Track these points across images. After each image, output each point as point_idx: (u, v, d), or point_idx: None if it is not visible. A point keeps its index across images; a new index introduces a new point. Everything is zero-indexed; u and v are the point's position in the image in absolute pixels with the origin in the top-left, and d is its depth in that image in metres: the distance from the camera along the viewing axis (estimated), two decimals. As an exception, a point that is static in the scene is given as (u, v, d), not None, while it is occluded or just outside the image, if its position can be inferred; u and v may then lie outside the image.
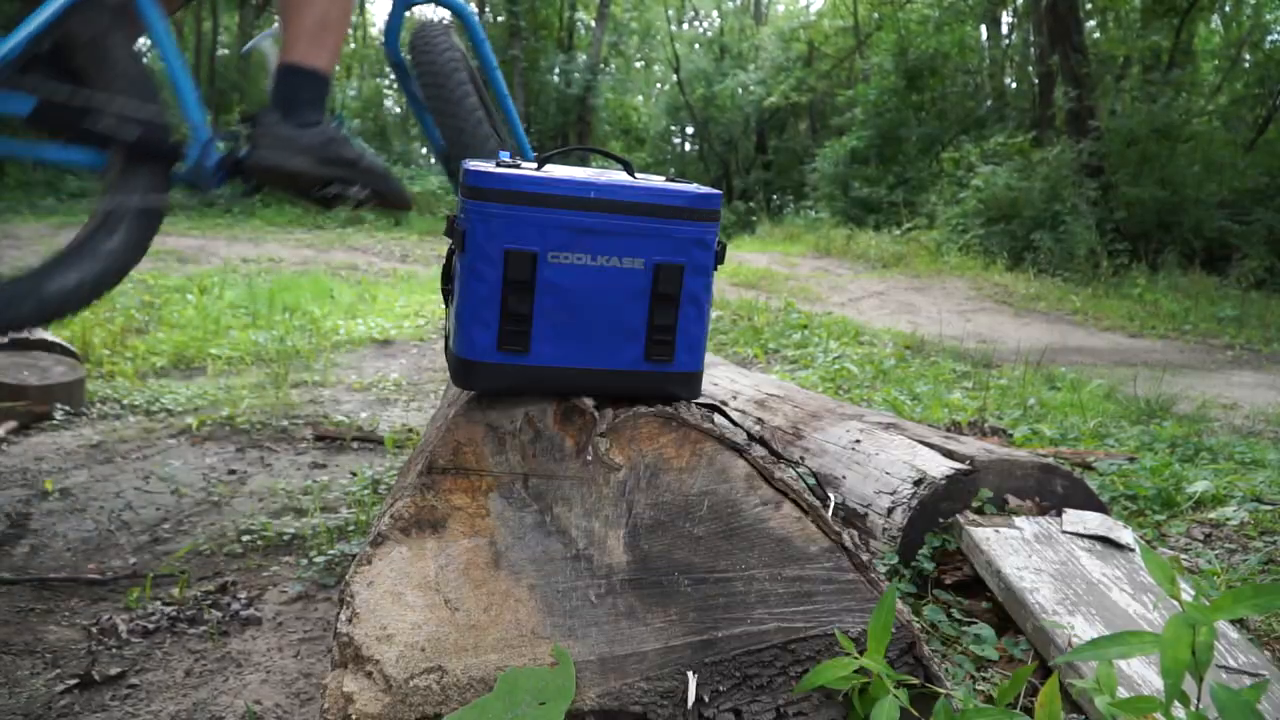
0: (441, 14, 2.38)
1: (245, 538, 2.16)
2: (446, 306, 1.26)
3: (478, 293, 1.11)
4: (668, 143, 26.33)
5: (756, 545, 1.13)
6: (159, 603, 1.79)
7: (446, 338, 1.26)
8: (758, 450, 1.24)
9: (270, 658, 1.61)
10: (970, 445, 2.06)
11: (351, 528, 2.22)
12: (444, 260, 1.26)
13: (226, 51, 20.88)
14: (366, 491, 2.50)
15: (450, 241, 1.17)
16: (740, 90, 22.08)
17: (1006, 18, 17.51)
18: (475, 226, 1.10)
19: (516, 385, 1.14)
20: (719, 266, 1.18)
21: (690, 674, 1.06)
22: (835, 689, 1.07)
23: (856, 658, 1.05)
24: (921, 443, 2.04)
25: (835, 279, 9.90)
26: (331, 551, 2.04)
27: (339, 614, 1.03)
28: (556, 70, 20.79)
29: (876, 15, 18.22)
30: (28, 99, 1.61)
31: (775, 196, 20.64)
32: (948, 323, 6.92)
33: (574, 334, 1.13)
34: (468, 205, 1.10)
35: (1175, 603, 0.97)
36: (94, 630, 1.67)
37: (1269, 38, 14.97)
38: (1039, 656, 1.53)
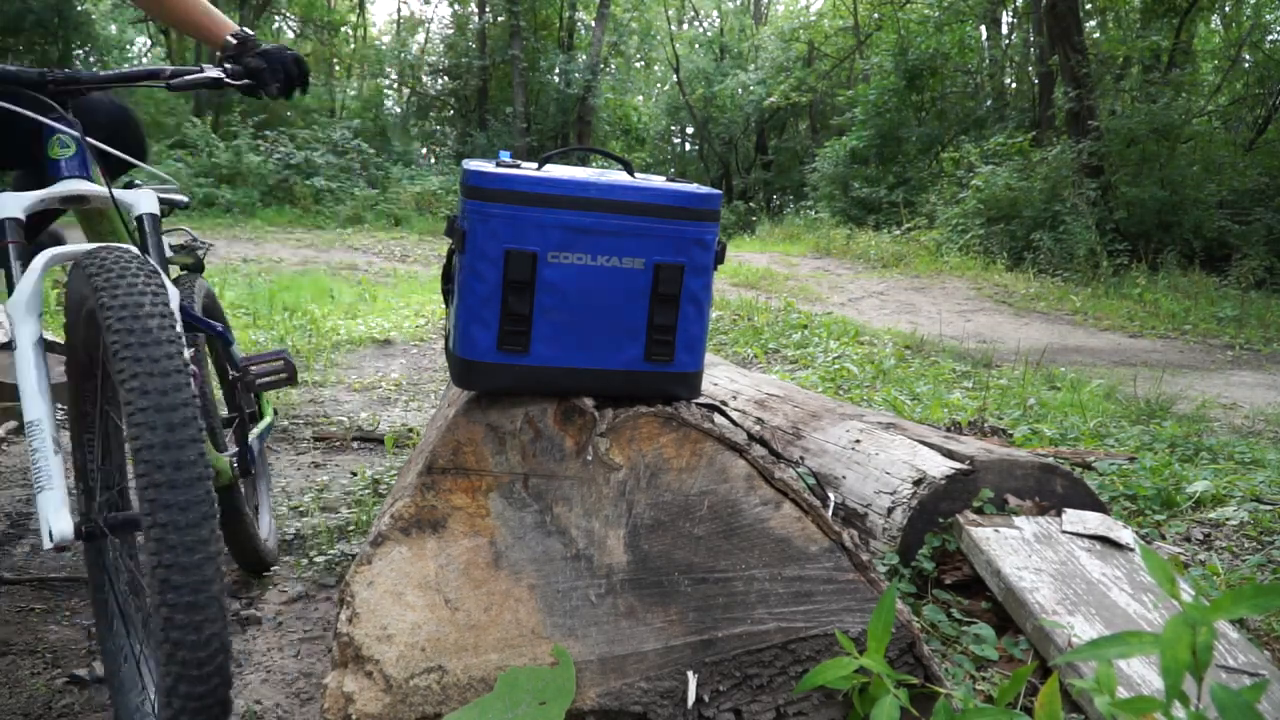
0: None
1: (245, 538, 2.16)
2: (446, 306, 1.26)
3: (478, 293, 1.11)
4: (668, 143, 26.34)
5: (756, 545, 1.13)
6: (159, 603, 1.79)
7: (446, 338, 1.26)
8: (758, 450, 1.24)
9: (270, 658, 1.61)
10: (970, 445, 2.06)
11: (351, 528, 2.22)
12: (444, 260, 1.26)
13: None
14: (366, 491, 2.50)
15: (450, 241, 1.17)
16: (740, 90, 22.08)
17: (1006, 18, 17.51)
18: (475, 226, 1.10)
19: (516, 385, 1.14)
20: (719, 266, 1.18)
21: (690, 674, 1.06)
22: (835, 689, 1.07)
23: (856, 657, 1.05)
24: (921, 443, 2.04)
25: (835, 279, 9.90)
26: (331, 551, 2.04)
27: (339, 614, 1.03)
28: (556, 70, 20.78)
29: (876, 15, 18.21)
30: None
31: (775, 196, 20.64)
32: (948, 323, 6.92)
33: (574, 334, 1.13)
34: (468, 205, 1.10)
35: (1175, 603, 0.97)
36: (94, 630, 1.67)
37: (1269, 38, 14.97)
38: (1039, 656, 1.53)
